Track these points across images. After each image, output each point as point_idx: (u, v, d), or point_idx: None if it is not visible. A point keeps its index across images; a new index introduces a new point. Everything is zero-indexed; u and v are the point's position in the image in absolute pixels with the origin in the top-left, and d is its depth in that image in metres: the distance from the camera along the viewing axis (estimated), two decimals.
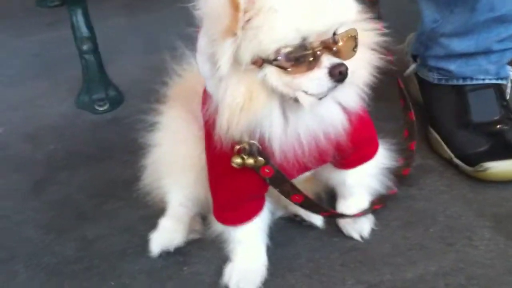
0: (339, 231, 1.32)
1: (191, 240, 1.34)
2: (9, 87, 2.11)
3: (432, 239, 1.28)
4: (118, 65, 2.06)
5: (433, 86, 1.62)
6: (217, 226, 1.24)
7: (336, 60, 0.93)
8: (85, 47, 1.86)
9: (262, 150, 1.06)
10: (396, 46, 1.87)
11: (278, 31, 0.89)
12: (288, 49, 0.90)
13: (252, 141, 1.04)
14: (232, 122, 0.96)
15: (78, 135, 1.80)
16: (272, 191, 1.19)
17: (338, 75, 0.92)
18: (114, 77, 1.98)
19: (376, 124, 1.26)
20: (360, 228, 1.30)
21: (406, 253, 1.25)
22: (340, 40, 0.94)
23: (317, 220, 1.33)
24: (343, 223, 1.32)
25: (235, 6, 0.87)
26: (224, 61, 0.91)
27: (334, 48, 0.93)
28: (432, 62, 1.60)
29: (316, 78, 0.93)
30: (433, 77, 1.61)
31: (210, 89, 1.01)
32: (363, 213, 1.30)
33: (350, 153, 1.17)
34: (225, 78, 0.94)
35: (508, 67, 1.57)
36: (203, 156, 1.25)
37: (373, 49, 1.04)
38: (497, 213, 1.33)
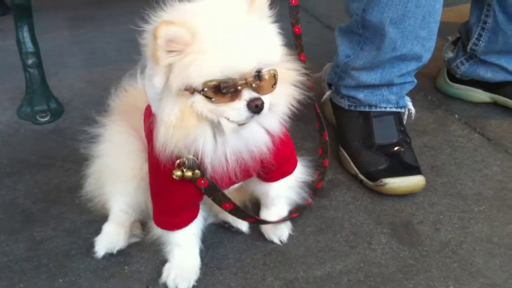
0: (261, 236, 1.52)
1: (131, 243, 1.50)
2: None
3: (339, 243, 1.51)
4: (59, 78, 2.17)
5: (344, 111, 1.87)
6: (157, 230, 1.41)
7: (254, 95, 1.12)
8: (29, 62, 1.96)
9: (198, 164, 1.24)
10: (314, 74, 2.12)
11: (205, 69, 1.07)
12: (213, 83, 1.08)
13: (190, 156, 1.22)
14: (167, 137, 1.14)
15: (21, 143, 1.91)
16: (206, 200, 1.37)
17: (255, 107, 1.11)
18: (55, 90, 2.09)
19: (295, 142, 1.47)
20: (280, 234, 1.51)
21: (317, 255, 1.47)
22: (262, 78, 1.13)
23: (243, 226, 1.53)
24: (265, 229, 1.52)
25: (156, 44, 1.07)
26: (157, 81, 1.10)
27: (254, 85, 1.11)
28: (344, 91, 1.85)
29: (236, 108, 1.11)
30: (344, 103, 1.86)
31: (153, 109, 1.19)
32: (282, 220, 1.51)
33: (274, 169, 1.39)
34: (164, 99, 1.13)
35: (407, 98, 1.84)
36: (144, 167, 1.43)
37: (294, 85, 1.25)
38: (392, 221, 1.58)
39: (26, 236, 1.53)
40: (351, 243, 1.51)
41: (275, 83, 1.16)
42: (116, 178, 1.50)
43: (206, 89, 1.09)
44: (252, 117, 1.13)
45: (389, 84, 1.78)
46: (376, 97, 1.79)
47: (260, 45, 1.12)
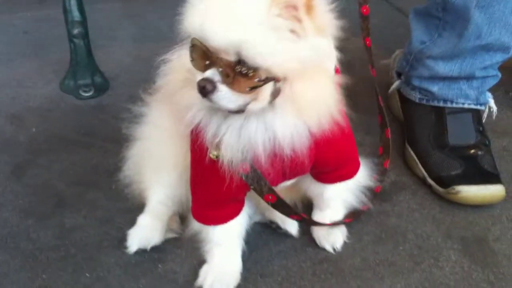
0: (312, 241, 1.36)
1: (168, 238, 1.36)
2: None
3: (400, 256, 1.33)
4: (106, 51, 2.06)
5: (414, 104, 1.67)
6: (195, 224, 1.26)
7: (210, 75, 0.95)
8: (75, 31, 1.85)
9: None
10: (382, 61, 1.92)
11: (188, 21, 0.97)
12: (193, 41, 0.96)
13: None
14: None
15: (61, 119, 1.80)
16: (253, 195, 1.21)
17: (202, 88, 0.95)
18: (101, 63, 1.98)
19: (355, 136, 1.29)
20: (333, 240, 1.34)
21: (375, 268, 1.29)
22: (237, 71, 0.94)
23: (292, 228, 1.36)
24: (317, 234, 1.36)
25: None
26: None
27: (221, 69, 0.94)
28: (416, 82, 1.65)
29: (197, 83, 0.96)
30: (415, 96, 1.66)
31: None
32: (334, 224, 1.34)
33: (328, 170, 1.22)
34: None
35: (488, 94, 1.62)
36: (187, 156, 1.26)
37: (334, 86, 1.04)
38: (464, 236, 1.38)
39: (55, 222, 1.42)
40: (415, 258, 1.32)
41: (253, 88, 0.95)
42: (157, 166, 1.36)
43: (190, 44, 0.97)
44: (203, 99, 0.96)
45: (469, 77, 1.57)
46: (453, 91, 1.58)
47: (254, 33, 0.92)
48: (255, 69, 0.94)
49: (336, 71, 1.09)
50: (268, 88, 0.97)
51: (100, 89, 1.91)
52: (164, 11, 2.49)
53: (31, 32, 2.31)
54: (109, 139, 1.68)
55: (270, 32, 0.92)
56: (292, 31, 0.93)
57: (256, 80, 0.95)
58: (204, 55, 0.96)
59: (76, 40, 1.86)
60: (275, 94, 0.98)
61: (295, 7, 0.91)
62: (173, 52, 1.28)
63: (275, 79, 0.96)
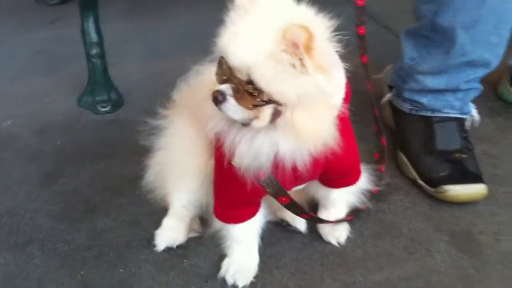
0: (319, 237, 1.52)
1: (190, 237, 1.51)
2: (15, 82, 2.23)
3: (397, 248, 1.49)
4: (119, 69, 2.19)
5: (405, 114, 1.84)
6: (217, 223, 1.41)
7: (224, 88, 1.10)
8: (93, 52, 2.00)
9: None
10: (373, 76, 2.08)
11: (219, 42, 1.10)
12: (221, 59, 1.10)
13: None
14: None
15: (83, 133, 1.95)
16: (266, 197, 1.36)
17: (214, 98, 1.10)
18: (115, 80, 2.13)
19: None
20: (338, 235, 1.50)
21: (376, 259, 1.46)
22: (243, 87, 1.08)
23: (301, 225, 1.52)
24: (322, 230, 1.52)
25: None
26: None
27: (233, 85, 1.09)
28: (407, 94, 1.82)
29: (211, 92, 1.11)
30: (406, 107, 1.83)
31: None
32: (338, 221, 1.51)
33: (333, 178, 1.39)
34: None
35: (471, 104, 1.81)
36: (209, 164, 1.42)
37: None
38: (452, 230, 1.55)
39: (87, 226, 1.56)
40: (410, 249, 1.49)
41: (255, 106, 1.09)
42: (181, 174, 1.50)
43: (218, 60, 1.11)
44: (219, 109, 1.11)
45: (455, 90, 1.74)
46: (440, 102, 1.76)
47: (262, 61, 1.05)
48: (260, 91, 1.08)
49: (347, 96, 1.22)
50: (268, 109, 1.10)
51: (116, 104, 2.06)
52: (171, 30, 2.66)
53: (45, 51, 2.44)
54: (129, 150, 1.83)
55: (275, 63, 1.05)
56: (294, 66, 1.06)
57: (258, 100, 1.09)
58: (225, 71, 1.11)
59: (93, 60, 2.01)
60: (276, 116, 1.11)
61: (297, 46, 1.03)
62: (206, 67, 1.44)
63: (277, 103, 1.09)
